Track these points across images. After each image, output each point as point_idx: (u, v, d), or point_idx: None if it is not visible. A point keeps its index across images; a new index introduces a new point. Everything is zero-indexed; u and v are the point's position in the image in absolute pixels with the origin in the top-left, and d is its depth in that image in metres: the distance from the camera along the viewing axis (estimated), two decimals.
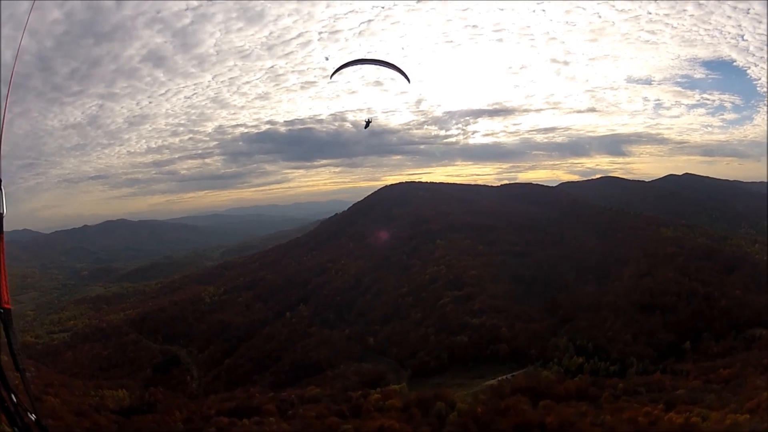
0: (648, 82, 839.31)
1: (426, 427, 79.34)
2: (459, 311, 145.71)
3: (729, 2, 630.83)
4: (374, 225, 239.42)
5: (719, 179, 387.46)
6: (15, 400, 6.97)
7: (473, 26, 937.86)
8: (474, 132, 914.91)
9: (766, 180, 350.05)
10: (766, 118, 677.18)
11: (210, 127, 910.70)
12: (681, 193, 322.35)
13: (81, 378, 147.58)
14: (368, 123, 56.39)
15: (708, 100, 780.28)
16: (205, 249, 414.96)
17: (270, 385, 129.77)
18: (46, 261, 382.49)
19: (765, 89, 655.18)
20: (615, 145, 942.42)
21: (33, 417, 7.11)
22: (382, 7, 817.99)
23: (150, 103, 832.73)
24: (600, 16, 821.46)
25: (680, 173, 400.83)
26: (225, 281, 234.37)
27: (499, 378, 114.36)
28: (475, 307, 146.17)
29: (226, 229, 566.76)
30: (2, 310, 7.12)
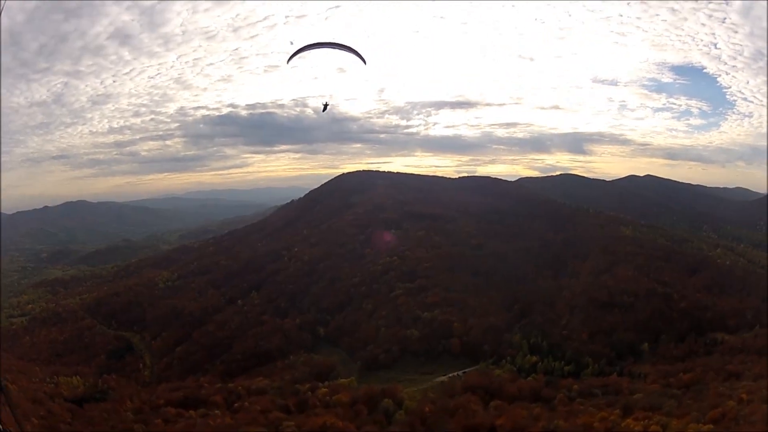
0: (614, 83, 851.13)
1: (371, 426, 76.35)
2: (411, 304, 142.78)
3: (704, 10, 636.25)
4: (331, 212, 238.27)
5: (681, 182, 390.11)
6: None
7: (441, 17, 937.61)
8: (435, 123, 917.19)
9: (730, 185, 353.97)
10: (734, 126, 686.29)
11: (172, 108, 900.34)
12: (642, 194, 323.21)
13: (38, 363, 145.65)
14: (326, 106, 55.18)
15: (675, 104, 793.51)
16: (164, 233, 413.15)
17: (221, 374, 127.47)
18: (7, 244, 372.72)
19: (734, 98, 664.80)
20: (577, 143, 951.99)
21: None
22: None
23: (114, 82, 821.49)
24: (570, 15, 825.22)
25: (642, 174, 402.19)
26: (180, 266, 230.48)
27: (451, 374, 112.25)
28: (428, 300, 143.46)
29: (185, 212, 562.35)
30: None
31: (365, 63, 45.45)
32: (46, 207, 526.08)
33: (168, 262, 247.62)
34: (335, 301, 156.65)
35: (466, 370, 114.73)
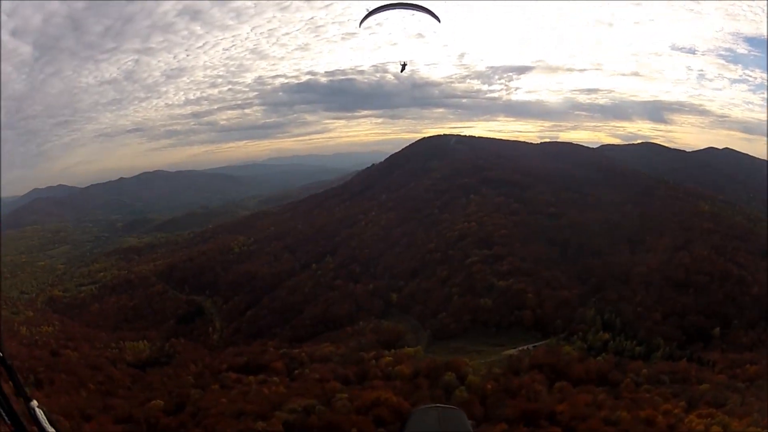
0: (692, 51, 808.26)
1: (426, 402, 76.48)
2: (486, 272, 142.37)
3: None
4: (409, 177, 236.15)
5: (759, 158, 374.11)
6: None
7: None
8: (517, 88, 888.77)
9: None
10: None
11: (249, 78, 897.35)
12: (720, 168, 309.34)
13: (105, 330, 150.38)
14: (404, 66, 55.15)
15: (750, 76, 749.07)
16: (242, 199, 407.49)
17: (288, 339, 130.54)
18: (81, 215, 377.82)
19: None
20: (657, 111, 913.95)
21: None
22: None
23: (188, 56, 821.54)
24: None
25: (720, 147, 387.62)
26: (256, 231, 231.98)
27: (520, 348, 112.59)
28: (503, 268, 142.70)
29: (264, 179, 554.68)
30: None
31: (439, 21, 45.13)
32: (122, 179, 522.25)
33: (244, 228, 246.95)
34: (409, 268, 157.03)
35: (536, 344, 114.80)
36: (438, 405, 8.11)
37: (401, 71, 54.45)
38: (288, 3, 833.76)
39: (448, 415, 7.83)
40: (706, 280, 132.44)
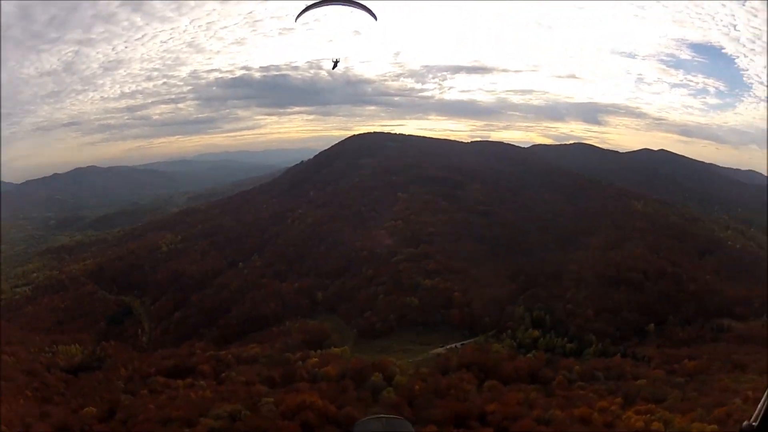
0: (632, 55, 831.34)
1: (352, 407, 71.90)
2: (412, 270, 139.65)
3: None
4: (338, 174, 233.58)
5: (695, 160, 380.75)
6: None
7: None
8: (450, 87, 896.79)
9: (742, 168, 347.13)
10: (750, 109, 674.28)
11: (184, 71, 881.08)
12: (655, 169, 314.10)
13: (39, 333, 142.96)
14: (336, 63, 54.48)
15: (691, 81, 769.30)
16: (173, 195, 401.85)
17: (216, 339, 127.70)
18: (17, 212, 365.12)
19: (751, 81, 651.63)
20: (591, 113, 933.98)
21: None
22: None
23: (126, 47, 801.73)
24: None
25: (656, 148, 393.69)
26: (185, 229, 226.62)
27: (448, 346, 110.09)
28: (430, 267, 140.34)
29: (195, 175, 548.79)
30: None
31: (376, 19, 43.84)
32: (56, 174, 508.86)
33: (173, 225, 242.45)
34: (335, 266, 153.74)
35: (464, 342, 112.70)
36: (381, 415, 7.68)
37: (333, 68, 54.14)
38: None
39: (393, 424, 7.55)
40: (639, 278, 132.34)
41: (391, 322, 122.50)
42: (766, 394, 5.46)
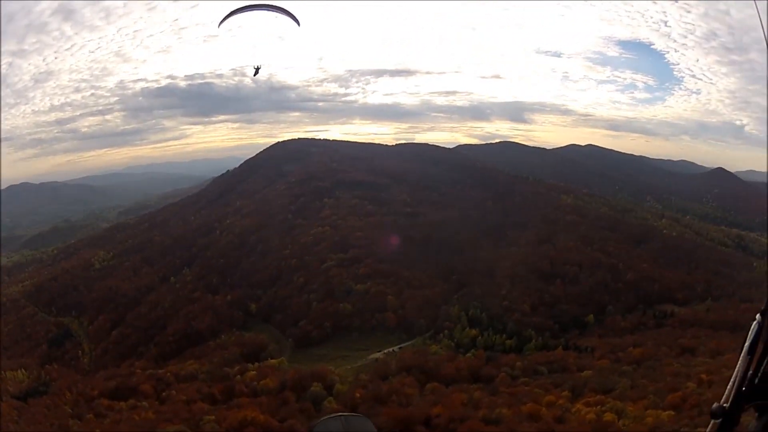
0: (558, 54, 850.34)
1: (294, 419, 70.58)
2: (344, 276, 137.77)
3: None
4: (264, 182, 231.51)
5: (624, 153, 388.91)
6: None
7: None
8: (374, 91, 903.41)
9: (674, 158, 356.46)
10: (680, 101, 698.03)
11: (111, 82, 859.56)
12: (583, 163, 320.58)
13: None
14: (257, 70, 51.26)
15: (619, 77, 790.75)
16: (102, 210, 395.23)
17: (155, 357, 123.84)
18: None
19: (682, 74, 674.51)
20: (517, 112, 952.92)
21: None
22: None
23: (56, 58, 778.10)
24: None
25: (583, 144, 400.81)
26: (116, 245, 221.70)
27: (386, 350, 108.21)
28: (361, 271, 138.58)
29: (123, 188, 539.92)
30: None
31: (299, 24, 42.87)
32: None
33: (104, 241, 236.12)
34: (266, 276, 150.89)
35: (401, 345, 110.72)
36: (341, 414, 7.09)
37: (255, 74, 51.01)
38: (156, 3, 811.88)
39: (352, 422, 6.90)
40: (574, 270, 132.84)
41: (326, 330, 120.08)
42: (734, 375, 4.78)
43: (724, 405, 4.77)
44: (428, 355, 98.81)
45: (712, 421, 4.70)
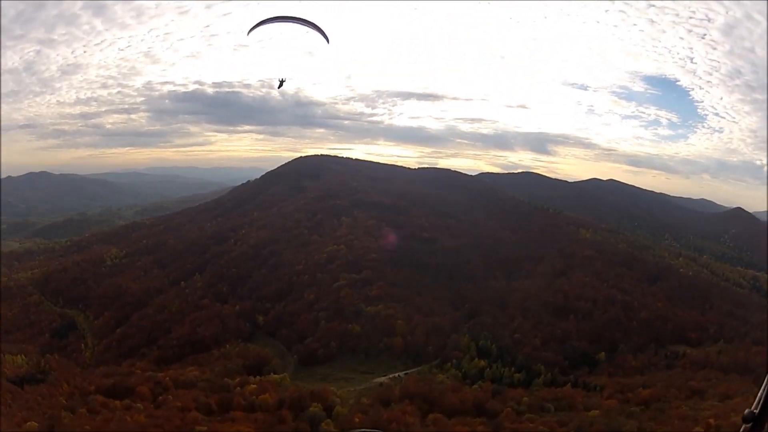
0: (584, 87, 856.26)
1: None
2: (354, 296, 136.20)
3: (684, 25, 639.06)
4: (283, 195, 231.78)
5: (644, 189, 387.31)
6: None
7: (414, 8, 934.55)
8: (400, 113, 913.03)
9: (694, 197, 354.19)
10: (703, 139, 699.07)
11: (139, 82, 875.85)
12: (604, 198, 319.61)
13: None
14: (282, 82, 52.27)
15: (644, 113, 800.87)
16: (120, 207, 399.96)
17: (156, 360, 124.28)
18: None
19: (706, 112, 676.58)
20: (540, 143, 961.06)
21: None
22: None
23: (85, 52, 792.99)
24: (546, 17, 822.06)
25: (605, 178, 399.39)
26: (129, 243, 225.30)
27: (391, 375, 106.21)
28: (372, 293, 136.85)
29: (144, 188, 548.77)
30: None
31: (328, 41, 43.78)
32: (9, 177, 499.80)
33: (118, 239, 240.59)
34: (276, 289, 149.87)
35: (407, 371, 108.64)
36: (364, 430, 11.43)
37: (279, 87, 52.22)
38: (189, 7, 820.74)
39: None
40: (587, 306, 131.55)
41: (332, 349, 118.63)
42: (766, 380, 5.41)
43: (755, 410, 5.34)
44: (434, 383, 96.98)
45: (743, 425, 5.26)
